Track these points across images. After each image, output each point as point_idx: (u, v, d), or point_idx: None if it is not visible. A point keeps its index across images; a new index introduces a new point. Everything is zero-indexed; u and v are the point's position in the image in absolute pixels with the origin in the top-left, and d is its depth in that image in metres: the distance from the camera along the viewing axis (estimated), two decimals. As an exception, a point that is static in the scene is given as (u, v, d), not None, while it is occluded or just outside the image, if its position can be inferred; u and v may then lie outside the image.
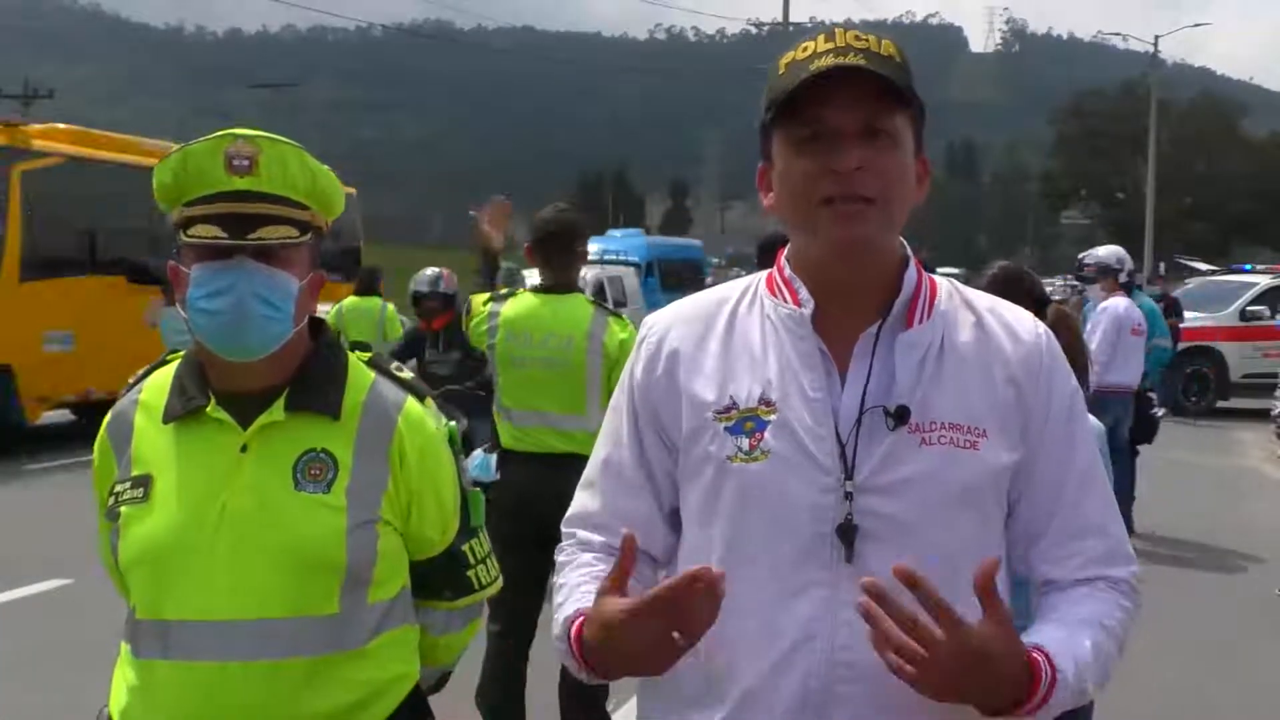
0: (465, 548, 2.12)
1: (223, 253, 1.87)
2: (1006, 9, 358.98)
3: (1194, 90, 73.85)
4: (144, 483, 1.93)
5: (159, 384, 2.01)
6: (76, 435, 12.61)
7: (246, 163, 1.89)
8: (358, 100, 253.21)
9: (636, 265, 23.30)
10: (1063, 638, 1.57)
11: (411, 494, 2.00)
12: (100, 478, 2.04)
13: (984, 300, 1.73)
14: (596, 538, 1.76)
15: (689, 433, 1.68)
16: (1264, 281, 18.60)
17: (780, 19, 37.67)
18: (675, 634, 1.48)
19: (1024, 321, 1.71)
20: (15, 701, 5.44)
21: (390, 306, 10.98)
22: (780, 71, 1.62)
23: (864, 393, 1.61)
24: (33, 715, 5.29)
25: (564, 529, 1.81)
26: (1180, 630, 6.55)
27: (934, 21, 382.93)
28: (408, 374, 2.10)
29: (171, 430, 1.95)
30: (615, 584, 1.53)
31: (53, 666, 5.90)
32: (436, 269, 8.47)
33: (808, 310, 1.65)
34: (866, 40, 1.61)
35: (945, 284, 1.73)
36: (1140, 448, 8.91)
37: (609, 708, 4.40)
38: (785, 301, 1.67)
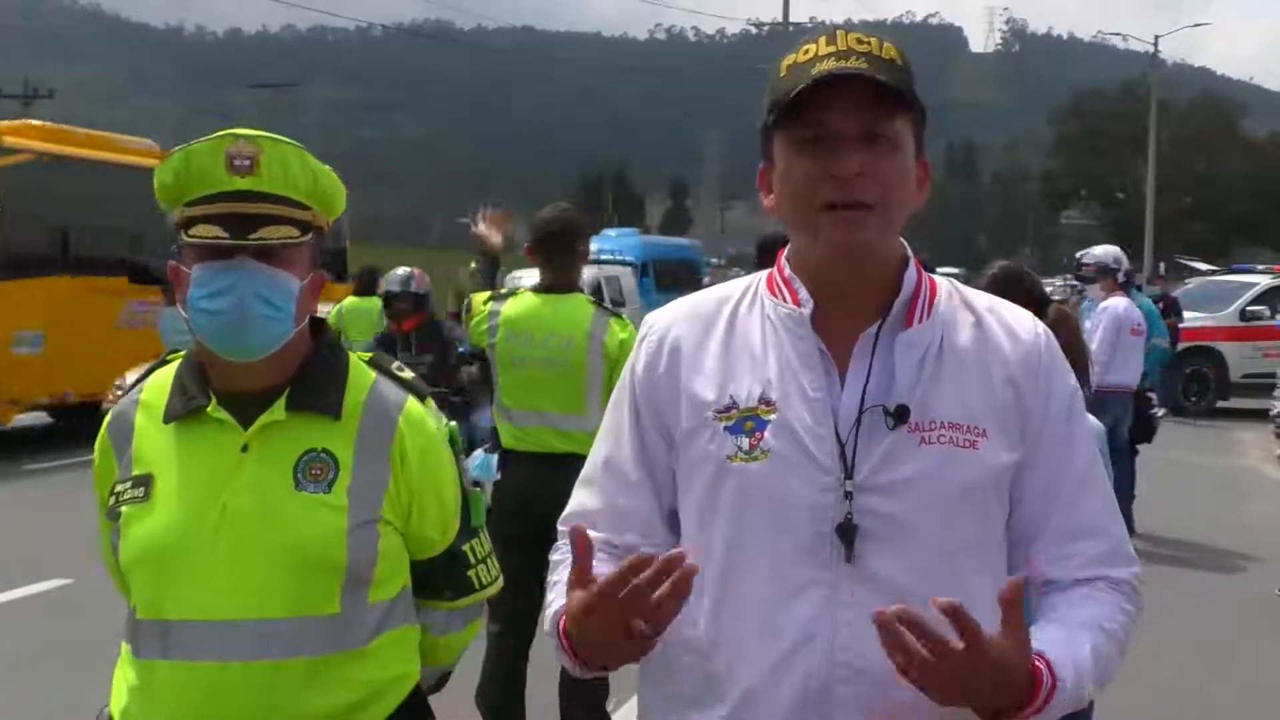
0: (466, 548, 2.12)
1: (224, 253, 1.87)
2: (1006, 9, 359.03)
3: (1194, 90, 73.72)
4: (145, 482, 1.94)
5: (160, 384, 2.02)
6: (66, 437, 12.42)
7: (248, 163, 1.89)
8: (358, 100, 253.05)
9: (632, 265, 23.26)
10: (1063, 641, 1.56)
11: (412, 494, 2.00)
12: (101, 477, 2.05)
13: (983, 300, 1.74)
14: (594, 535, 1.75)
15: (688, 431, 1.68)
16: (1264, 281, 18.61)
17: (780, 19, 37.60)
18: (641, 623, 1.47)
19: (1023, 321, 1.71)
20: (15, 701, 5.44)
21: (390, 307, 10.93)
22: (781, 73, 1.62)
23: (864, 392, 1.61)
24: (33, 715, 5.30)
25: (560, 526, 1.80)
26: (1180, 630, 6.55)
27: (934, 21, 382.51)
28: (408, 374, 2.10)
29: (172, 430, 1.96)
30: (579, 577, 1.53)
31: (53, 666, 5.90)
32: (408, 269, 8.18)
33: (807, 310, 1.65)
34: (868, 43, 1.61)
35: (945, 284, 1.73)
36: (1140, 447, 8.92)
37: (609, 707, 4.40)
38: (785, 301, 1.67)
